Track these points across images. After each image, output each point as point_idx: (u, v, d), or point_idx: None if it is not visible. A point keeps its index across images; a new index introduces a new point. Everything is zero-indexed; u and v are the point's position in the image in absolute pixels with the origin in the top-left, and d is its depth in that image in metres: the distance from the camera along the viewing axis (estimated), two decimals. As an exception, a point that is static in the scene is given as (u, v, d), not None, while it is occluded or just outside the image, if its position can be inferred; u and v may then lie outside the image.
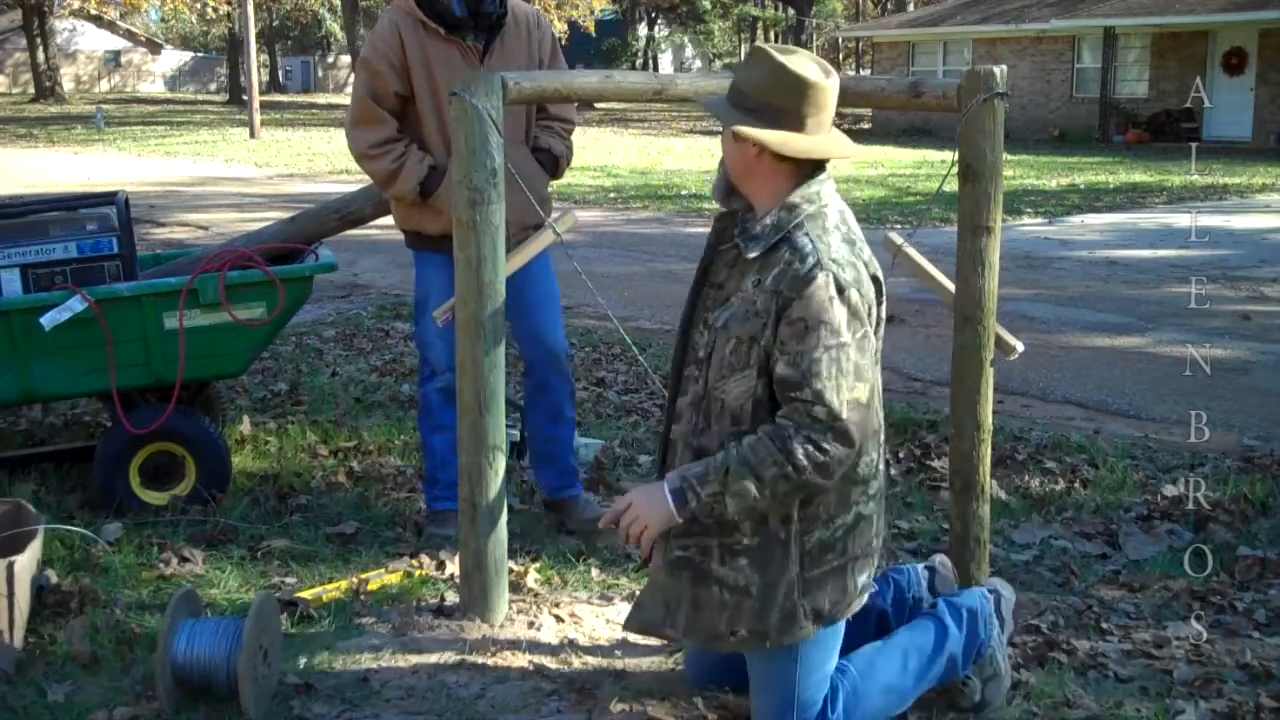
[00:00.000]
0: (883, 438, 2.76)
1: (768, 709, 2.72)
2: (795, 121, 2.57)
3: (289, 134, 29.60)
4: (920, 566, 3.15)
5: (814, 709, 2.70)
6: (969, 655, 2.90)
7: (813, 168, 2.63)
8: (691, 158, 22.86)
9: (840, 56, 52.90)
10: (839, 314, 2.50)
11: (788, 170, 2.60)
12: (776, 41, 47.22)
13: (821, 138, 2.60)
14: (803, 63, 2.58)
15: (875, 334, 2.63)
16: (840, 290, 2.51)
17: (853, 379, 2.50)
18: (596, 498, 4.26)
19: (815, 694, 2.71)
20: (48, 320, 3.98)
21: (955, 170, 3.15)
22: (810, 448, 2.48)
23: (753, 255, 2.59)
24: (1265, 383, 6.53)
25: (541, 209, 3.77)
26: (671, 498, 2.55)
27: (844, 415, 2.48)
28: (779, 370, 2.52)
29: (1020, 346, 3.33)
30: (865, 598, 2.75)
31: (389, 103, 3.79)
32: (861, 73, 42.48)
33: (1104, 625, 3.45)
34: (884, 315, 2.70)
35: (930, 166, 20.17)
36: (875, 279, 2.62)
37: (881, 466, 2.75)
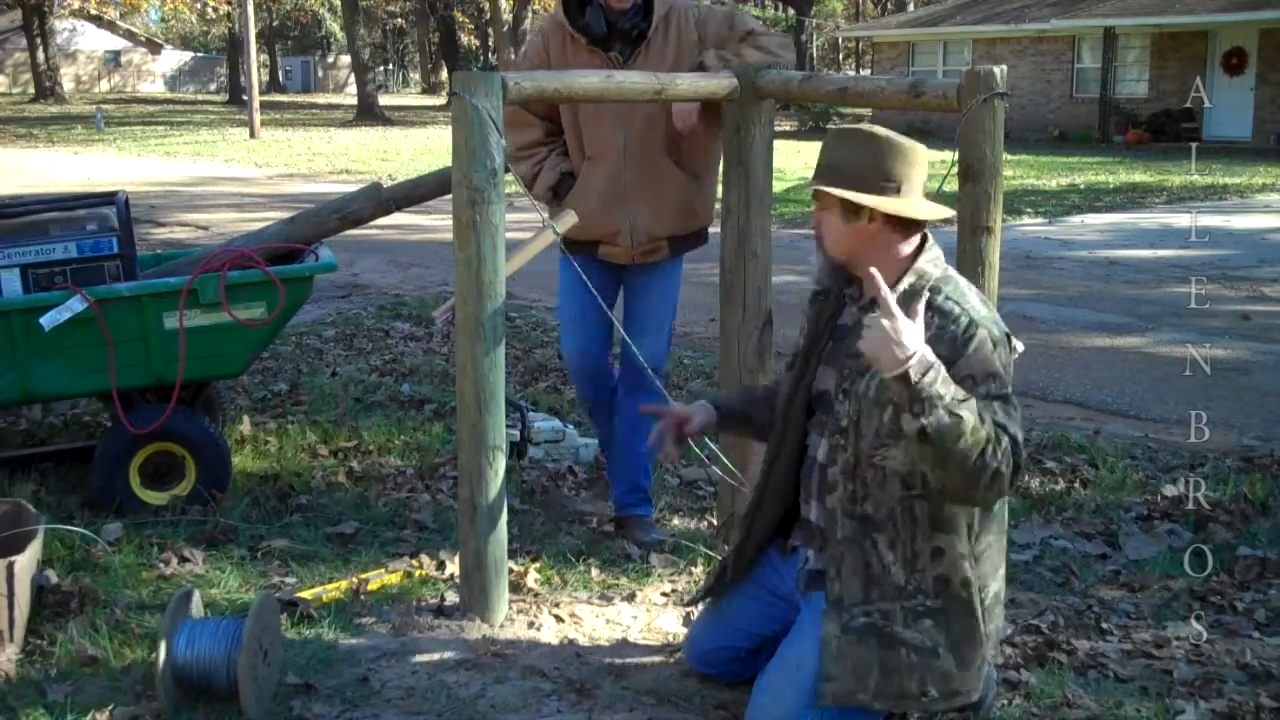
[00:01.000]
0: None
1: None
2: (898, 189, 2.67)
3: (289, 134, 29.60)
4: None
5: None
6: None
7: (920, 235, 2.71)
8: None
9: (840, 56, 52.89)
10: (1000, 366, 2.58)
11: (899, 238, 2.68)
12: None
13: (929, 202, 2.71)
14: (890, 132, 2.72)
15: None
16: (994, 345, 2.60)
17: (1019, 419, 2.56)
18: (650, 519, 4.18)
19: None
20: (47, 320, 3.98)
21: (955, 170, 3.15)
22: (1011, 449, 2.50)
23: (888, 320, 2.54)
24: (1265, 383, 6.53)
25: (687, 220, 3.87)
26: (918, 370, 2.43)
27: (1022, 450, 2.54)
28: (975, 388, 2.55)
29: (1020, 346, 3.33)
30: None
31: (537, 110, 3.86)
32: (861, 73, 42.48)
33: (1104, 625, 3.45)
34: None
35: (930, 166, 20.06)
36: (1007, 335, 2.68)
37: None
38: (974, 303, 2.65)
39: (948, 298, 2.62)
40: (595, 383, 4.08)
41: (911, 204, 2.66)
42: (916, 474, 2.61)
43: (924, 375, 2.43)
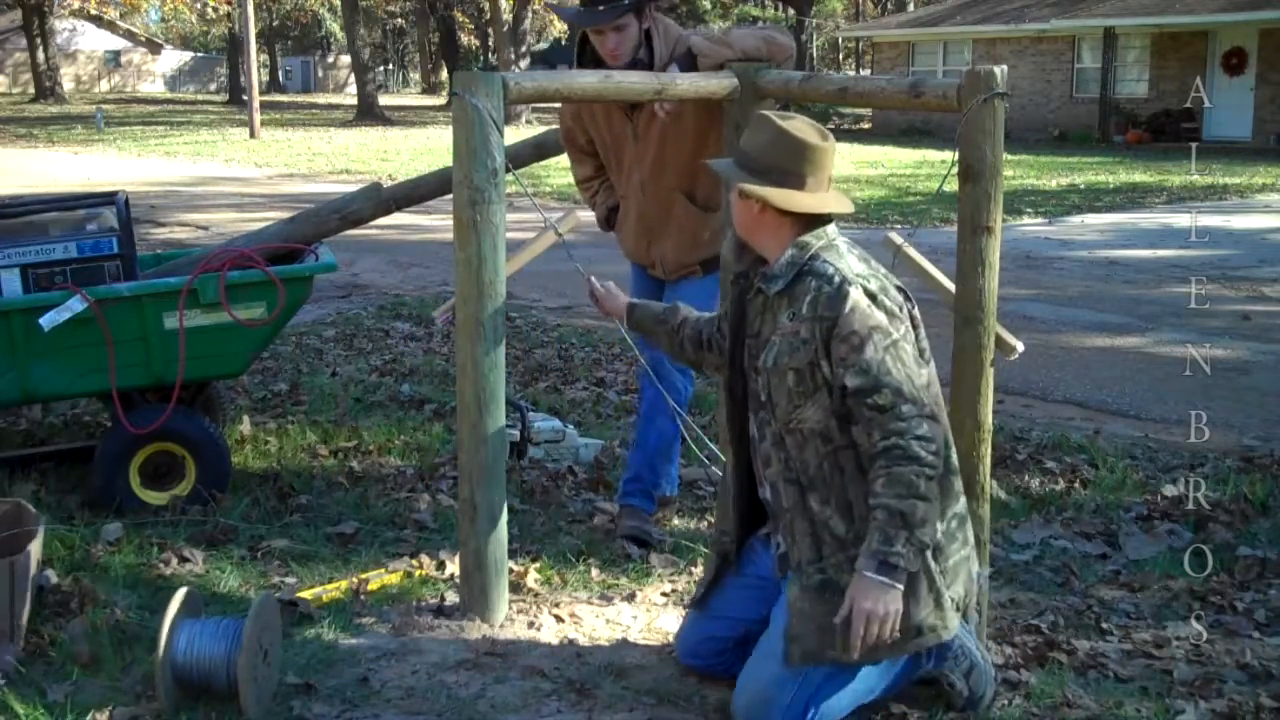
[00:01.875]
0: None
1: (777, 685, 2.75)
2: (796, 180, 2.82)
3: (289, 134, 29.60)
4: None
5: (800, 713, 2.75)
6: (929, 652, 2.88)
7: (814, 220, 2.86)
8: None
9: (840, 56, 52.86)
10: (881, 317, 2.72)
11: (790, 223, 2.84)
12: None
13: (820, 194, 2.85)
14: (801, 127, 2.85)
15: (919, 337, 2.82)
16: (872, 297, 2.74)
17: (915, 365, 2.72)
18: (643, 512, 4.18)
19: (837, 705, 2.77)
20: (47, 321, 3.98)
21: (955, 170, 3.15)
22: (922, 441, 2.64)
23: (776, 291, 2.80)
24: (1265, 383, 6.53)
25: (712, 246, 3.98)
26: (884, 576, 2.62)
27: (924, 399, 2.68)
28: (850, 383, 2.68)
29: (1020, 346, 3.33)
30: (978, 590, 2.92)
31: (584, 149, 4.23)
32: (861, 73, 42.48)
33: (1104, 625, 3.45)
34: (918, 318, 2.86)
35: (930, 166, 20.16)
36: (899, 288, 2.84)
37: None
38: (850, 262, 2.79)
39: (825, 261, 2.78)
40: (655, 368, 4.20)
41: (794, 196, 2.80)
42: (832, 427, 2.74)
43: (900, 563, 2.61)
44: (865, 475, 2.72)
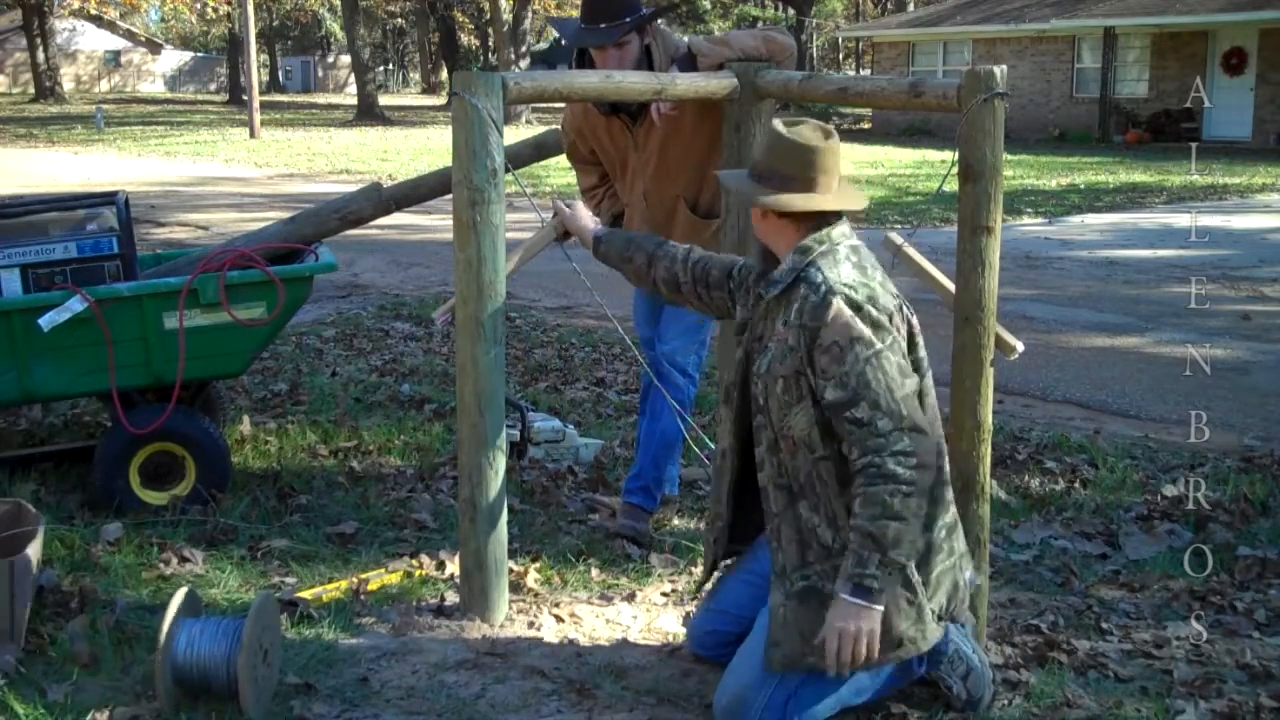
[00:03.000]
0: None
1: (756, 686, 2.76)
2: (804, 183, 2.81)
3: (289, 134, 29.60)
4: None
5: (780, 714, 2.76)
6: (920, 657, 2.88)
7: (821, 221, 2.85)
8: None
9: (840, 56, 52.85)
10: (863, 328, 2.69)
11: (793, 226, 2.85)
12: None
13: (820, 195, 2.83)
14: (803, 131, 2.85)
15: (916, 346, 2.81)
16: (857, 308, 2.71)
17: (899, 377, 2.69)
18: (642, 510, 4.18)
19: (818, 709, 2.78)
20: (46, 321, 3.97)
21: (955, 170, 3.15)
22: (900, 458, 2.62)
23: (772, 295, 2.82)
24: (1265, 383, 6.53)
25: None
26: (859, 599, 2.64)
27: (904, 412, 2.65)
28: (829, 396, 2.68)
29: (1020, 346, 3.33)
30: (969, 596, 2.91)
31: (586, 159, 4.27)
32: (861, 73, 42.47)
33: (1104, 625, 3.45)
34: (916, 327, 2.85)
35: (930, 166, 20.16)
36: (897, 297, 2.82)
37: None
38: (841, 271, 2.77)
39: (818, 269, 2.77)
40: (652, 368, 4.22)
41: (791, 199, 2.80)
42: (815, 438, 2.75)
43: (874, 585, 2.63)
44: (845, 488, 2.73)
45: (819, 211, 2.83)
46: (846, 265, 2.79)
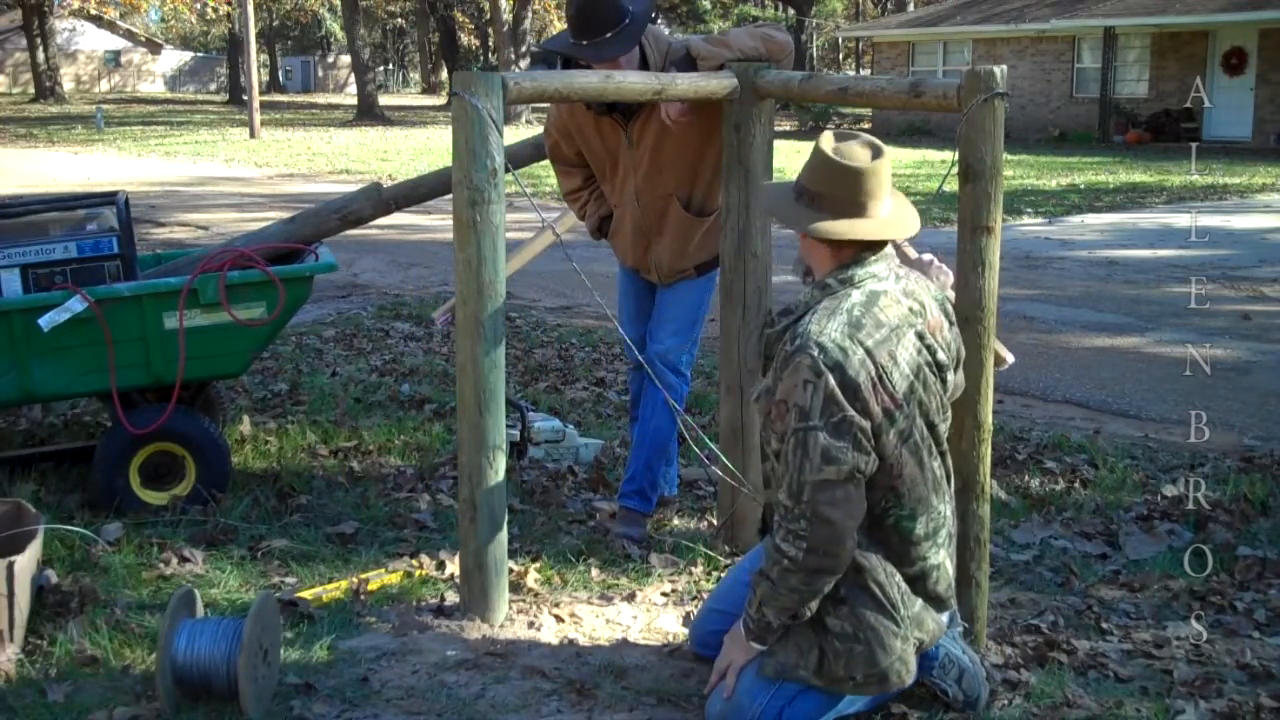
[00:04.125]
0: (950, 490, 2.88)
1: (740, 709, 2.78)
2: (847, 207, 2.74)
3: (289, 134, 29.60)
4: None
5: None
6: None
7: (865, 246, 2.77)
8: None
9: (840, 56, 52.84)
10: (810, 398, 2.61)
11: (833, 250, 2.78)
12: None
13: (863, 223, 2.74)
14: (851, 151, 2.77)
15: (893, 417, 2.67)
16: (816, 375, 2.61)
17: (819, 461, 2.60)
18: (639, 514, 4.17)
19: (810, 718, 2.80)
20: (46, 321, 3.97)
21: (955, 170, 3.15)
22: (790, 538, 2.66)
23: (775, 331, 2.83)
24: (1265, 383, 6.52)
25: (708, 250, 4.03)
26: (742, 629, 2.82)
27: (805, 497, 2.62)
28: (771, 445, 2.75)
29: (1010, 358, 3.34)
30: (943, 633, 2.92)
31: (570, 161, 4.20)
32: (861, 73, 42.46)
33: (1104, 625, 3.45)
34: (902, 399, 2.69)
35: (930, 166, 20.16)
36: (880, 367, 2.65)
37: (950, 515, 2.88)
38: (831, 325, 2.66)
39: (812, 315, 2.71)
40: (639, 371, 4.21)
41: (829, 227, 2.73)
42: None
43: (751, 626, 2.78)
44: None
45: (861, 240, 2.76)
46: (840, 318, 2.67)
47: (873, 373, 2.64)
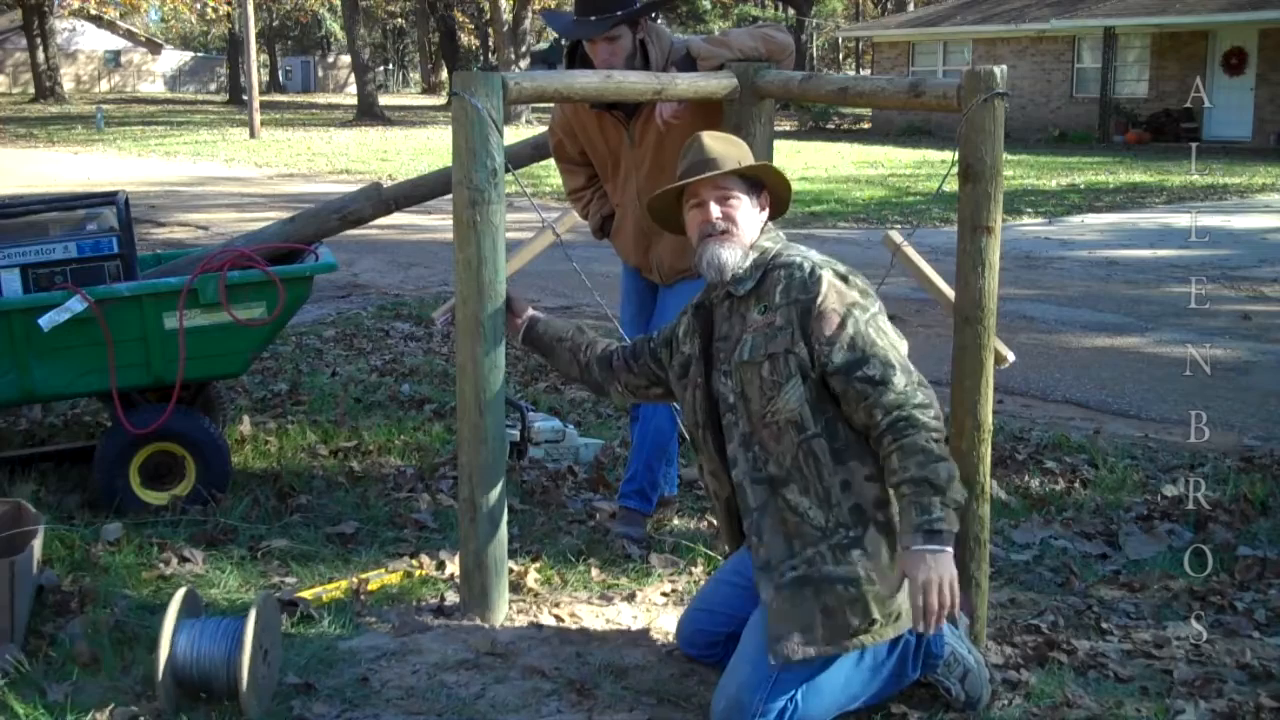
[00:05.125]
0: None
1: (746, 686, 2.75)
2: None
3: (289, 134, 29.60)
4: None
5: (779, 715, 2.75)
6: (915, 661, 2.89)
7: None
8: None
9: (840, 56, 52.84)
10: (856, 294, 2.81)
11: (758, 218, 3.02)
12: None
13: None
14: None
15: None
16: (844, 279, 2.84)
17: (895, 336, 2.82)
18: (638, 514, 4.17)
19: (814, 712, 2.77)
20: (46, 321, 3.97)
21: (955, 170, 3.15)
22: (923, 409, 2.69)
23: (743, 291, 2.89)
24: (1265, 383, 6.53)
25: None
26: (931, 544, 2.61)
27: (911, 367, 2.76)
28: (836, 359, 2.73)
29: (1011, 356, 3.34)
30: None
31: (574, 160, 4.23)
32: (861, 73, 42.46)
33: (1104, 625, 3.45)
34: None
35: (930, 166, 20.16)
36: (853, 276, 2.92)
37: None
38: (812, 254, 2.93)
39: (789, 255, 2.91)
40: None
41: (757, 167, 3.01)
42: (806, 415, 2.77)
43: (943, 528, 2.61)
44: (839, 464, 2.75)
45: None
46: (811, 251, 2.94)
47: (865, 280, 2.90)
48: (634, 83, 3.50)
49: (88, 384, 4.17)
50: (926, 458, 2.64)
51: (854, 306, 2.77)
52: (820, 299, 2.77)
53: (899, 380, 2.69)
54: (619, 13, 3.75)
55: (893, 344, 2.77)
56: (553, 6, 36.25)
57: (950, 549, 2.63)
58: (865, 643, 2.75)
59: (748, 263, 2.91)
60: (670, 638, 3.33)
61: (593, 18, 3.77)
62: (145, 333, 4.12)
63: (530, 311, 3.46)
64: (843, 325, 2.74)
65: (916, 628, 2.68)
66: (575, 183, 4.28)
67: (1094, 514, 4.38)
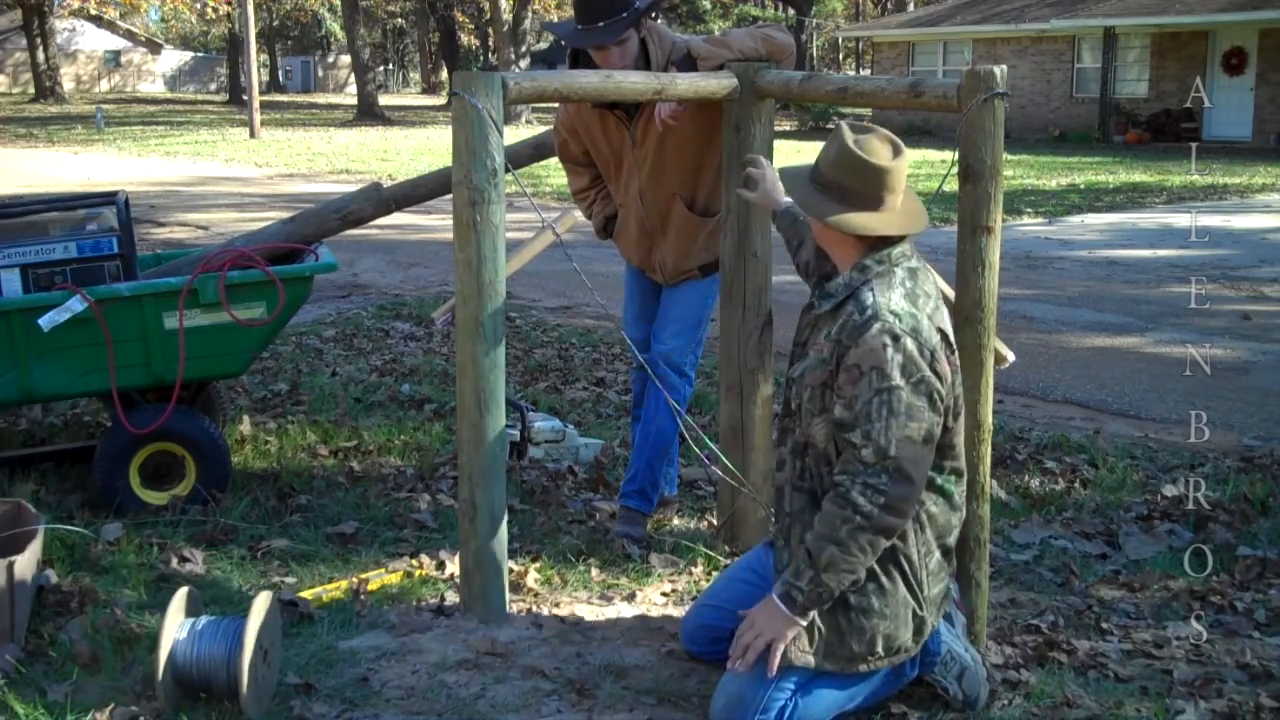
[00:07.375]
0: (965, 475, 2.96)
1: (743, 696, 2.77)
2: (868, 201, 2.79)
3: (289, 134, 29.59)
4: None
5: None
6: (913, 660, 2.90)
7: (883, 239, 2.82)
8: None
9: (840, 56, 52.85)
10: (891, 360, 2.67)
11: (854, 241, 2.82)
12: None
13: (885, 216, 2.80)
14: (872, 146, 2.80)
15: (951, 383, 2.79)
16: (895, 339, 2.69)
17: (904, 419, 2.67)
18: (639, 514, 4.17)
19: (813, 712, 2.80)
20: (46, 321, 3.97)
21: (955, 170, 3.15)
22: (868, 492, 2.65)
23: (823, 310, 2.84)
24: (1265, 383, 6.53)
25: (712, 250, 4.02)
26: (783, 604, 2.73)
27: (893, 452, 2.65)
28: (836, 412, 2.72)
29: (1011, 356, 3.34)
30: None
31: (579, 160, 4.22)
32: (861, 73, 42.46)
33: (1104, 625, 3.45)
34: (956, 364, 2.85)
35: (930, 166, 20.15)
36: (941, 332, 2.79)
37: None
38: (892, 297, 2.75)
39: (870, 290, 2.76)
40: (641, 371, 4.20)
41: (850, 219, 2.77)
42: (832, 452, 2.78)
43: (799, 599, 2.70)
44: None
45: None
46: (899, 292, 2.76)
47: (938, 337, 2.76)
48: (634, 83, 3.50)
49: (88, 384, 4.17)
50: (829, 533, 2.66)
51: (876, 371, 2.66)
52: (853, 350, 2.70)
53: (867, 454, 2.65)
54: (624, 15, 3.74)
55: (890, 422, 2.64)
56: (553, 10, 36.27)
57: (799, 619, 2.71)
58: (862, 670, 2.79)
59: (842, 279, 2.82)
60: (671, 638, 3.33)
61: (600, 24, 3.75)
62: (145, 333, 4.12)
63: (783, 198, 3.37)
64: (854, 383, 2.69)
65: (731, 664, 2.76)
66: (579, 183, 4.28)
67: (1094, 514, 4.38)
